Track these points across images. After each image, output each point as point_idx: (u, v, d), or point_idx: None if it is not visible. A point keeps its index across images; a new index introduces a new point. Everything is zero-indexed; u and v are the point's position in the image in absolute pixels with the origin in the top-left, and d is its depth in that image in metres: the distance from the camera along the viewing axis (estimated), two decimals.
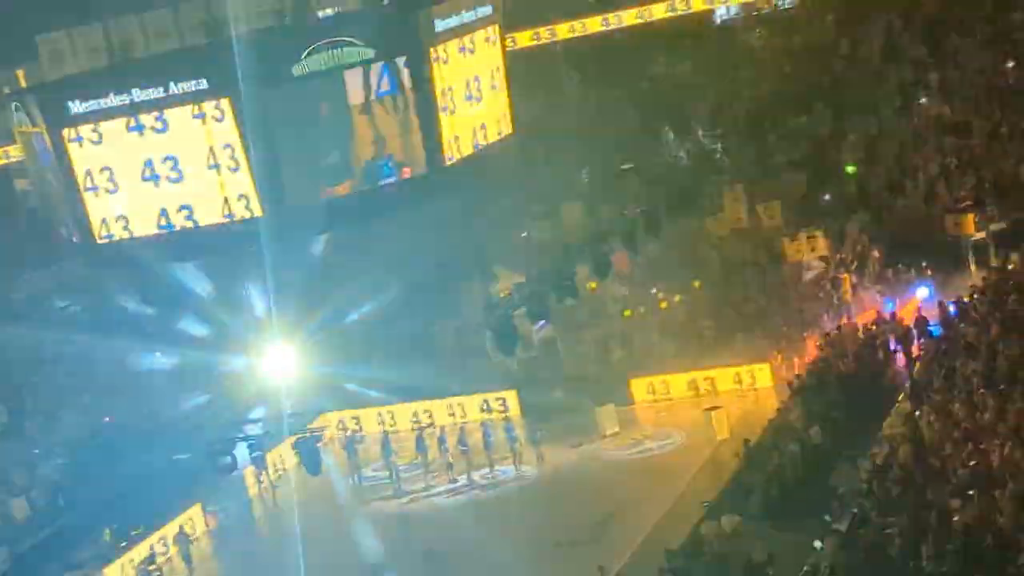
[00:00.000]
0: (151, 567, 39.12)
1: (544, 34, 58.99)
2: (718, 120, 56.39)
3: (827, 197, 50.78)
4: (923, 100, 52.54)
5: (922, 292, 44.55)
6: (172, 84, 27.53)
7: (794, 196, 51.45)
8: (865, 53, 56.44)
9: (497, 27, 32.42)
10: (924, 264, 45.75)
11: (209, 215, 28.89)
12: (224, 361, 49.19)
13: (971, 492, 25.76)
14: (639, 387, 46.44)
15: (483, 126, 32.12)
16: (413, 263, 55.05)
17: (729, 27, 62.21)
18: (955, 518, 24.97)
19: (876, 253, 47.50)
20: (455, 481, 42.97)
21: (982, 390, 31.02)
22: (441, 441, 43.71)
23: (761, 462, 35.34)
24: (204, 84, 27.48)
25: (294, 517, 42.95)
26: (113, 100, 27.86)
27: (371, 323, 52.62)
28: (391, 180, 29.32)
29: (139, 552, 40.11)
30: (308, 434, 28.77)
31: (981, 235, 45.75)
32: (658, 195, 42.87)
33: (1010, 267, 40.63)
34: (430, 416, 47.98)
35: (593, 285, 48.08)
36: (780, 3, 61.62)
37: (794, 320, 46.10)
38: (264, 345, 46.79)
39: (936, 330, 40.75)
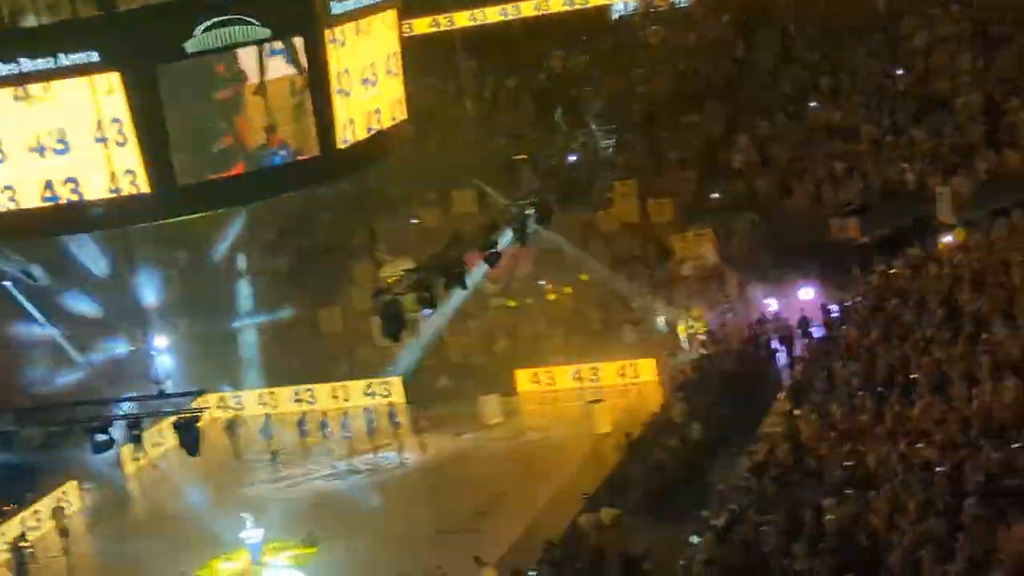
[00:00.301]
0: (23, 543, 38.54)
1: (442, 21, 58.84)
2: (612, 115, 56.63)
3: (715, 195, 51.19)
4: (814, 104, 53.13)
5: (805, 293, 45.09)
6: (62, 55, 26.97)
7: (685, 193, 51.83)
8: (760, 55, 56.96)
9: (395, 12, 32.09)
10: (809, 266, 46.29)
11: (95, 189, 28.34)
12: (105, 339, 48.59)
13: (846, 492, 26.09)
14: (524, 378, 46.59)
15: (378, 111, 31.78)
16: (302, 246, 54.89)
17: (626, 23, 62.47)
18: (829, 517, 25.27)
19: (762, 253, 48.01)
20: (336, 466, 42.80)
21: (860, 392, 31.46)
22: (323, 425, 43.47)
23: (642, 456, 35.58)
24: (95, 56, 26.93)
25: (171, 497, 42.65)
26: (0, 69, 27.27)
27: (258, 304, 52.38)
28: (282, 162, 28.96)
29: (11, 528, 39.51)
30: (188, 414, 28.38)
31: (865, 239, 46.39)
32: (550, 187, 43.01)
33: (892, 272, 41.22)
34: (312, 396, 47.74)
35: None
36: (677, 1, 61.99)
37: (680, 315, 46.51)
38: (147, 324, 46.31)
39: (818, 331, 41.33)
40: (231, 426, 45.09)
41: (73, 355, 48.43)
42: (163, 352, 47.78)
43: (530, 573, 29.79)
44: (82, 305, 50.35)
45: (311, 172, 29.98)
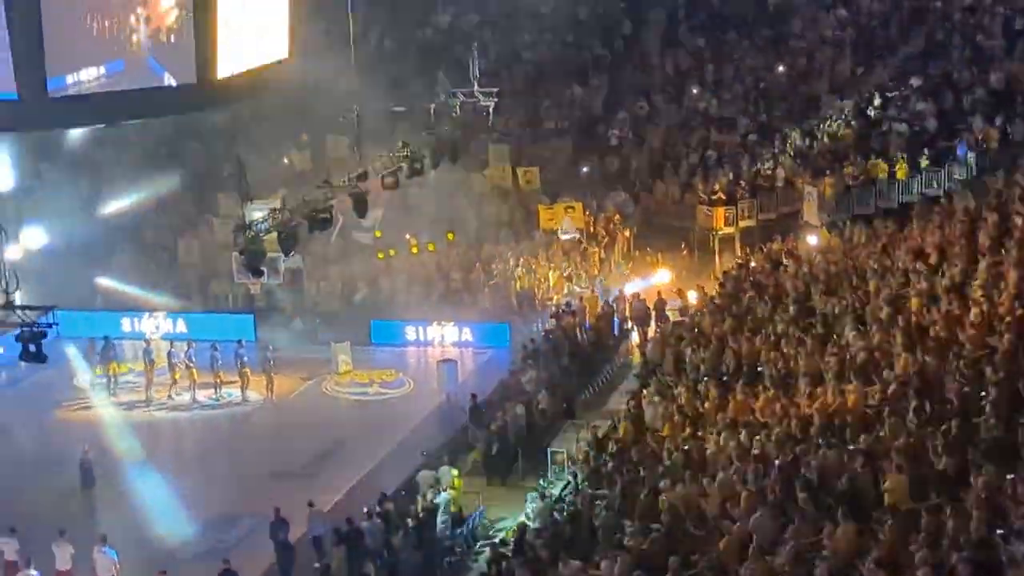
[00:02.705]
0: None
1: None
2: (496, 78, 56.54)
3: (586, 170, 51.42)
4: (694, 91, 53.56)
5: (664, 276, 45.55)
6: None
7: (558, 164, 52.00)
8: (647, 36, 57.26)
9: None
10: (671, 250, 46.78)
11: None
12: None
13: (682, 476, 26.43)
14: (379, 329, 46.47)
15: (260, 46, 31.46)
16: (169, 172, 54.07)
17: None
18: (662, 498, 25.59)
19: (628, 232, 48.42)
20: (177, 395, 42.34)
21: (706, 379, 31.86)
22: (171, 356, 42.89)
23: (486, 419, 35.72)
24: None
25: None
26: None
27: (119, 225, 51.57)
28: (157, 84, 28.45)
29: None
30: (35, 328, 27.88)
31: (729, 230, 47.00)
32: (426, 143, 42.82)
33: (752, 265, 41.79)
34: (157, 326, 47.18)
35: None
36: None
37: (540, 284, 46.74)
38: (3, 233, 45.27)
39: (672, 315, 41.77)
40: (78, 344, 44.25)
41: None
42: (14, 263, 46.78)
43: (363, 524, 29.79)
44: None
45: (186, 99, 29.60)
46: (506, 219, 50.65)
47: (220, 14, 28.57)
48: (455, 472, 32.49)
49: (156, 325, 47.12)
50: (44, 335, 28.05)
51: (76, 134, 48.28)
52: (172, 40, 28.23)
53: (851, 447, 25.38)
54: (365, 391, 42.60)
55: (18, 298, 29.02)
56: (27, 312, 28.17)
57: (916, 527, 21.19)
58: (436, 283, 48.45)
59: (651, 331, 41.70)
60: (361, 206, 37.40)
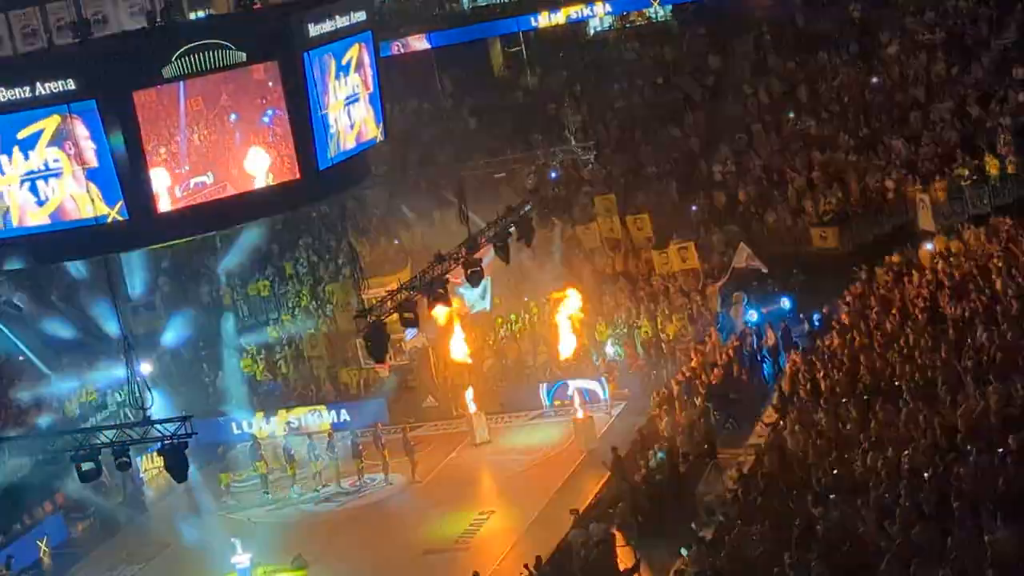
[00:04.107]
0: (12, 572, 38.38)
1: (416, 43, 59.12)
2: (590, 131, 56.75)
3: (695, 208, 51.26)
4: (791, 114, 53.26)
5: (786, 304, 45.16)
6: (39, 83, 27.00)
7: (664, 208, 51.89)
8: (736, 67, 57.14)
9: (370, 32, 32.30)
10: (790, 276, 46.38)
11: (76, 216, 28.40)
12: (90, 364, 48.48)
13: (833, 500, 26.14)
14: (511, 395, 46.55)
15: (357, 132, 31.97)
16: (282, 268, 54.92)
17: (603, 39, 62.66)
18: (817, 526, 25.31)
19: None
20: (323, 488, 42.75)
21: (844, 400, 31.52)
22: (310, 447, 43.36)
23: (629, 471, 35.58)
24: (71, 85, 26.95)
25: (159, 524, 42.58)
26: None
27: (241, 329, 52.33)
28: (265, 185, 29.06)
29: None
30: (174, 439, 28.40)
31: (846, 249, 46.51)
32: (530, 204, 43.05)
33: (874, 280, 41.36)
34: (297, 420, 47.70)
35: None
36: (654, 16, 62.18)
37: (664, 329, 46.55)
38: (129, 350, 46.19)
39: (801, 342, 41.41)
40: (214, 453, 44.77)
41: (56, 382, 48.32)
42: (148, 378, 47.70)
43: None
44: (63, 331, 50.33)
45: (292, 195, 30.15)
46: (620, 269, 50.52)
47: (313, 112, 29.19)
48: (605, 527, 32.36)
49: (295, 420, 47.58)
50: (185, 445, 28.58)
51: (190, 244, 49.19)
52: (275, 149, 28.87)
53: (1001, 449, 24.96)
54: (506, 458, 42.61)
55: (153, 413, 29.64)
56: (164, 425, 28.70)
57: None
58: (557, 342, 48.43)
59: (782, 360, 41.37)
60: (475, 277, 37.67)
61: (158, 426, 28.92)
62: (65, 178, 27.62)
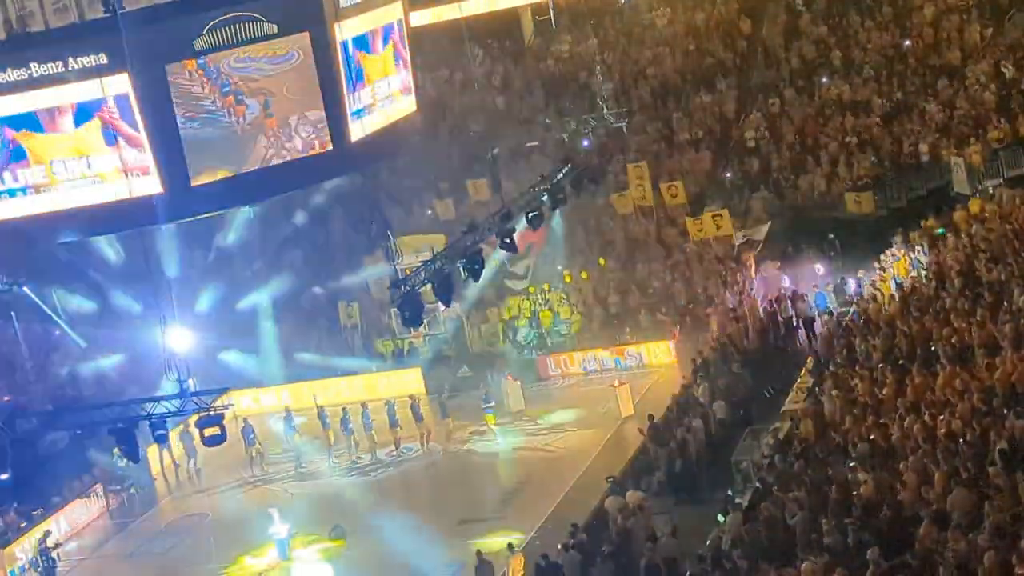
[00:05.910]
0: (50, 546, 38.62)
1: (446, 12, 58.68)
2: (622, 98, 56.52)
3: (729, 175, 51.09)
4: (824, 79, 52.96)
5: (821, 269, 44.99)
6: (71, 58, 27.05)
7: (697, 174, 51.74)
8: (768, 32, 56.81)
9: (401, 3, 32.22)
10: (826, 242, 46.22)
11: (109, 191, 28.45)
12: (127, 338, 48.60)
13: (871, 466, 26.08)
14: (545, 364, 46.63)
15: (388, 103, 31.95)
16: (318, 239, 54.97)
17: (633, 5, 62.33)
18: (855, 492, 25.26)
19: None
20: (359, 459, 42.85)
21: (881, 365, 31.42)
22: (345, 418, 43.45)
23: (665, 438, 35.57)
24: (104, 59, 26.99)
25: (197, 496, 42.82)
26: (11, 74, 27.38)
27: (275, 300, 52.33)
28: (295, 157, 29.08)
29: (39, 531, 39.60)
30: (211, 412, 28.50)
31: (881, 213, 46.31)
32: (563, 172, 43.00)
33: (909, 244, 41.19)
34: (332, 390, 47.78)
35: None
36: None
37: (697, 298, 46.53)
38: (168, 322, 46.27)
39: (836, 307, 41.31)
40: (247, 432, 44.83)
41: (93, 355, 48.47)
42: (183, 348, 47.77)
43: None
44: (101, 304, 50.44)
45: (324, 166, 30.16)
46: (654, 236, 50.44)
47: (345, 80, 29.16)
48: (641, 494, 32.40)
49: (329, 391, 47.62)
50: (222, 417, 28.69)
51: (222, 219, 49.26)
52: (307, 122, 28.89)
53: None
54: (540, 426, 42.64)
55: (191, 384, 29.72)
56: (202, 398, 28.80)
57: None
58: (594, 310, 48.47)
59: (817, 325, 41.26)
60: (510, 245, 37.68)
61: (194, 399, 29.00)
62: (104, 153, 27.67)
